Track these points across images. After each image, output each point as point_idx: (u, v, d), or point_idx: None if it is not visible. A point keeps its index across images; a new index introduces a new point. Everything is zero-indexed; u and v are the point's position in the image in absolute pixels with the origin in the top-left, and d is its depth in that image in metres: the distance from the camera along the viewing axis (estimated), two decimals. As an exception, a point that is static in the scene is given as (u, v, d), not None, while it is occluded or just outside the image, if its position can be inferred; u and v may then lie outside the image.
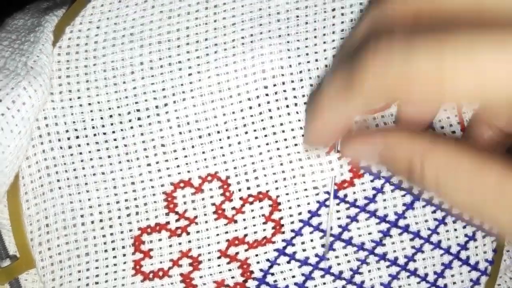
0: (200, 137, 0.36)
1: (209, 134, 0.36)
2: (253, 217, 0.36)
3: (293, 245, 0.36)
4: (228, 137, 0.36)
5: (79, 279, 0.36)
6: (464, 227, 0.36)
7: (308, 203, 0.36)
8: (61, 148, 0.36)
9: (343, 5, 0.36)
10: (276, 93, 0.36)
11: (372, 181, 0.36)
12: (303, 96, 0.36)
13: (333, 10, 0.36)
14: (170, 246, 0.36)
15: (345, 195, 0.36)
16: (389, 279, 0.36)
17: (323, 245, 0.36)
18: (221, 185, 0.36)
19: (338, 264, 0.36)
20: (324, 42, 0.36)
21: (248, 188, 0.36)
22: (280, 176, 0.36)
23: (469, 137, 0.31)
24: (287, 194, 0.36)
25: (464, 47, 0.21)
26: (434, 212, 0.36)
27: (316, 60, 0.36)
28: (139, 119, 0.36)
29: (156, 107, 0.36)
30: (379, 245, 0.36)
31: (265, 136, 0.36)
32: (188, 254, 0.36)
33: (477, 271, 0.37)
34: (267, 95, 0.36)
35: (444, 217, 0.36)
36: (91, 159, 0.36)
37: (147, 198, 0.36)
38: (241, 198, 0.36)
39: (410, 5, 0.25)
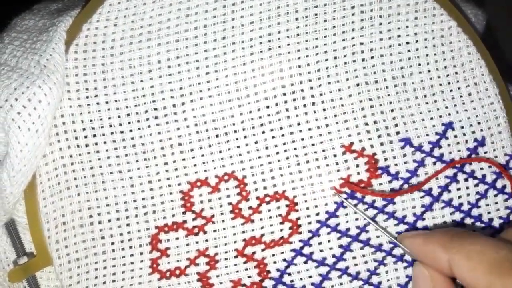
0: (217, 136, 0.36)
1: (226, 133, 0.36)
2: (270, 217, 0.36)
3: (310, 245, 0.36)
4: (245, 137, 0.36)
5: (96, 277, 0.36)
6: (483, 228, 0.36)
7: (326, 204, 0.36)
8: (78, 146, 0.36)
9: (363, 3, 0.36)
10: (293, 92, 0.36)
11: (390, 181, 0.36)
12: (321, 95, 0.36)
13: (352, 7, 0.36)
14: (187, 245, 0.36)
15: (363, 196, 0.36)
16: (406, 280, 0.36)
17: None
18: (238, 184, 0.36)
19: (356, 264, 0.36)
20: (343, 40, 0.36)
21: (265, 188, 0.36)
22: (297, 176, 0.36)
23: None
24: (304, 194, 0.36)
25: None
26: (452, 213, 0.36)
27: (335, 58, 0.36)
28: (156, 117, 0.36)
29: (174, 105, 0.36)
30: (397, 246, 0.36)
31: (282, 135, 0.36)
32: (205, 253, 0.36)
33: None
34: (284, 94, 0.36)
35: (463, 219, 0.36)
36: (108, 157, 0.36)
37: (164, 197, 0.36)
38: (257, 198, 0.36)
39: None
